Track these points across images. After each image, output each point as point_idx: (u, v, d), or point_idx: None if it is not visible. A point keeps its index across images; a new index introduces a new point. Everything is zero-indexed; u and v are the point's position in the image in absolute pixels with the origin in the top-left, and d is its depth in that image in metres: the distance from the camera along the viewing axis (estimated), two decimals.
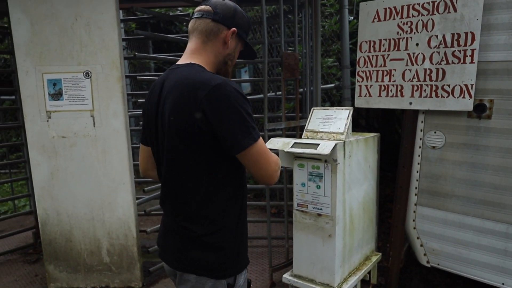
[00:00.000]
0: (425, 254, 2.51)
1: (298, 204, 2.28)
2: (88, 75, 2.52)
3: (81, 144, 2.60)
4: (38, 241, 3.38)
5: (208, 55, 1.27)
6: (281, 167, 2.49)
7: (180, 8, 5.89)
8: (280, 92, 3.12)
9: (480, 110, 2.21)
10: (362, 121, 4.93)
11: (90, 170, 2.62)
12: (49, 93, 2.52)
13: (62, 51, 2.49)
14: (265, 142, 2.31)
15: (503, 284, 2.25)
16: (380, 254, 2.67)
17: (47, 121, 2.56)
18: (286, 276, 2.37)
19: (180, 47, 6.49)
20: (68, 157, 2.61)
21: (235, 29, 1.28)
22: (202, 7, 1.28)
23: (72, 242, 2.70)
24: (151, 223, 4.00)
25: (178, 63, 1.29)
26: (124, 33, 4.96)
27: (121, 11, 4.55)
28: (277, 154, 2.37)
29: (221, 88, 1.11)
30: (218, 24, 1.25)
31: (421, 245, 2.51)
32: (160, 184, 1.39)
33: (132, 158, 2.90)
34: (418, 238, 2.51)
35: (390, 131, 4.55)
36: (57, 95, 2.53)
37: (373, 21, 2.49)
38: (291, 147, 2.16)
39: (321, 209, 2.18)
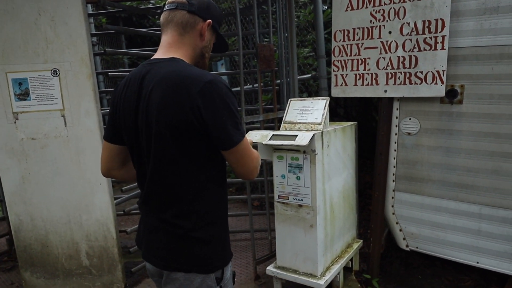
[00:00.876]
0: (404, 238, 2.57)
1: (279, 196, 2.28)
2: (56, 73, 2.41)
3: (52, 145, 2.50)
4: (12, 248, 3.25)
5: (187, 48, 1.25)
6: (261, 159, 2.49)
7: (152, 1, 5.73)
8: (257, 85, 3.10)
9: (451, 95, 2.26)
10: (341, 110, 4.97)
11: (64, 172, 2.53)
12: (14, 93, 2.40)
13: (26, 48, 2.37)
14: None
15: (477, 262, 2.33)
16: (361, 240, 2.72)
17: (15, 122, 2.44)
18: (270, 268, 2.37)
19: (154, 41, 6.33)
20: (39, 160, 2.51)
21: (210, 20, 1.25)
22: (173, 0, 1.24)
23: (49, 247, 2.61)
24: (131, 222, 3.93)
25: (156, 57, 1.24)
26: (94, 28, 4.78)
27: (89, 6, 4.39)
28: (257, 147, 2.36)
29: (214, 84, 1.12)
30: (194, 16, 1.23)
31: (400, 230, 2.57)
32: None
33: None
34: (397, 223, 2.57)
35: (368, 119, 4.61)
36: (23, 95, 2.41)
37: (346, 10, 2.50)
38: (270, 139, 2.15)
39: (301, 200, 2.19)
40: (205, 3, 1.25)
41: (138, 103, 1.20)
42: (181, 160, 1.18)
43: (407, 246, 2.57)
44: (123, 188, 2.92)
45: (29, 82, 2.40)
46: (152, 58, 1.25)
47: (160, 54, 1.24)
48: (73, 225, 2.59)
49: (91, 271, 2.65)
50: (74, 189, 2.55)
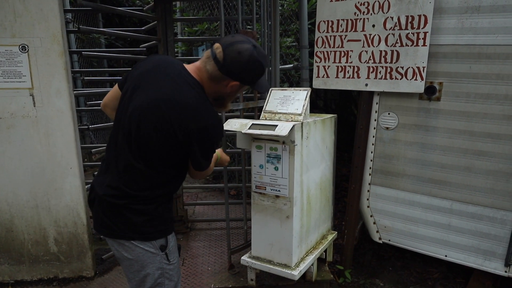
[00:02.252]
0: (377, 231, 2.62)
1: (256, 186, 2.26)
2: (25, 49, 2.27)
3: (20, 125, 2.36)
4: None
5: (210, 86, 1.37)
6: (239, 148, 2.45)
7: None
8: None
9: (430, 92, 2.29)
10: (320, 102, 4.99)
11: (32, 154, 2.40)
12: None
13: None
14: (223, 123, 2.25)
15: (446, 256, 2.41)
16: (336, 232, 2.75)
17: None
18: (245, 258, 2.36)
19: (133, 22, 6.09)
20: (5, 140, 2.37)
21: (238, 82, 1.35)
22: (218, 48, 1.31)
23: (14, 232, 2.50)
24: None
25: (186, 65, 1.38)
26: (69, 4, 4.54)
27: None
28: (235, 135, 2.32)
29: (211, 130, 1.32)
30: (223, 75, 1.32)
31: (374, 223, 2.62)
32: None
33: (81, 141, 2.71)
34: (371, 216, 2.61)
35: (347, 113, 4.65)
36: None
37: (331, 1, 2.47)
38: (249, 128, 2.11)
39: (279, 190, 2.18)
40: (241, 67, 1.31)
41: (134, 91, 1.34)
42: (148, 167, 1.35)
43: (380, 238, 2.62)
44: (96, 173, 2.81)
45: None
46: (181, 62, 1.39)
47: (190, 66, 1.38)
48: (41, 210, 2.48)
49: (59, 257, 2.56)
50: (42, 172, 2.43)
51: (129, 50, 4.37)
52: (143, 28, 3.22)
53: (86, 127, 2.94)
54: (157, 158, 1.34)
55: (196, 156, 1.36)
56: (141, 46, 3.28)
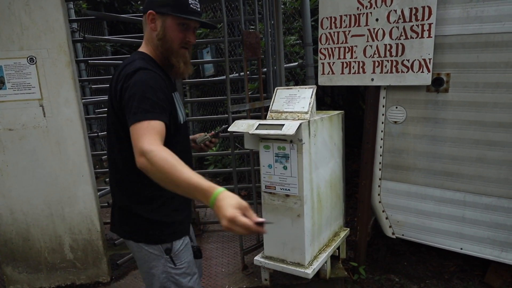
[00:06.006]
0: (390, 226, 2.60)
1: (265, 186, 2.26)
2: (33, 61, 2.31)
3: (31, 136, 2.41)
4: None
5: (147, 43, 1.41)
6: (248, 149, 2.45)
7: None
8: (243, 73, 3.04)
9: (438, 84, 2.26)
10: (328, 99, 4.97)
11: (44, 163, 2.45)
12: None
13: (0, 34, 2.25)
14: (230, 125, 2.26)
15: (461, 248, 2.37)
16: (348, 229, 2.73)
17: None
18: (258, 258, 2.37)
19: (138, 28, 6.14)
20: (18, 151, 2.42)
21: (150, 11, 1.35)
22: None
23: (31, 240, 2.55)
24: None
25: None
26: (74, 14, 4.60)
27: None
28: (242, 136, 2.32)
29: (133, 76, 1.28)
30: (144, 14, 1.39)
31: (387, 218, 2.59)
32: None
33: (92, 148, 2.75)
34: (383, 211, 2.59)
35: (355, 108, 4.62)
36: None
37: None
38: (256, 129, 2.12)
39: (288, 189, 2.17)
40: None
41: None
42: (114, 137, 1.38)
43: (393, 233, 2.60)
44: (107, 179, 2.85)
45: (4, 70, 2.29)
46: None
47: (141, 48, 1.45)
48: (56, 218, 2.53)
49: (75, 264, 2.60)
50: (55, 181, 2.47)
51: None
52: None
53: (96, 134, 2.98)
54: (117, 129, 1.36)
55: (129, 103, 1.24)
56: None
